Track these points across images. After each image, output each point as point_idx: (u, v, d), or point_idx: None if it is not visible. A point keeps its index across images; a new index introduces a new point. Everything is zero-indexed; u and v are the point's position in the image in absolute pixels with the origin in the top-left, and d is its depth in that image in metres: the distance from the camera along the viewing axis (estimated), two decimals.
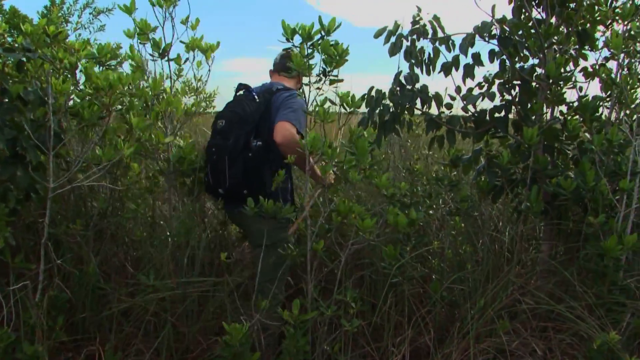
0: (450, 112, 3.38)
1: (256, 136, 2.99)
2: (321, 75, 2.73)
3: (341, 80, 2.76)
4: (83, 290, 2.98)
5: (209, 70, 3.60)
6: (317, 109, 2.69)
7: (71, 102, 3.17)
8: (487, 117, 3.32)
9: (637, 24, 2.94)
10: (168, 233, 3.31)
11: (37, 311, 2.62)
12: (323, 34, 2.63)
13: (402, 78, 3.30)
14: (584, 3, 3.32)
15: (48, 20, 3.23)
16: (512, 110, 3.32)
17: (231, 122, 3.05)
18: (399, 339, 2.84)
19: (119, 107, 3.32)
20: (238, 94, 3.26)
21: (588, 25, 3.38)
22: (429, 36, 3.29)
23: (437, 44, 3.27)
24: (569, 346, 2.82)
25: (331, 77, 2.74)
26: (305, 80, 2.78)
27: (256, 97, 3.08)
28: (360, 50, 2.64)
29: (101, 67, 3.42)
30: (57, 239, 3.02)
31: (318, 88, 2.74)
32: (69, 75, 3.30)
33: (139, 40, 3.30)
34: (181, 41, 3.46)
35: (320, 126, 2.78)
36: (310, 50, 2.64)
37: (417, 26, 3.31)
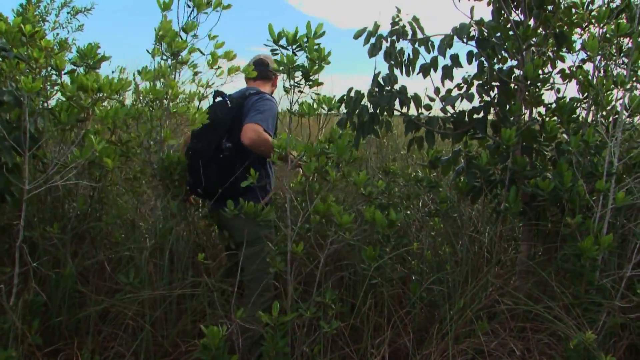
0: (429, 113, 3.39)
1: (229, 138, 3.18)
2: (302, 79, 2.76)
3: (321, 84, 2.82)
4: (60, 294, 2.94)
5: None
6: (298, 108, 2.78)
7: (53, 102, 3.14)
8: (466, 118, 3.33)
9: (612, 27, 2.97)
10: (146, 235, 3.28)
11: (12, 315, 2.58)
12: (309, 37, 2.66)
13: (380, 79, 3.31)
14: (562, 6, 3.35)
15: (24, 19, 3.18)
16: (491, 112, 3.34)
17: (204, 126, 3.20)
18: (378, 340, 2.85)
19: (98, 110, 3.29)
20: (216, 100, 3.42)
21: (565, 27, 3.41)
22: (409, 37, 3.29)
23: (416, 45, 3.28)
24: (547, 346, 2.84)
25: (310, 82, 2.78)
26: (287, 82, 2.81)
27: (229, 102, 3.29)
28: (341, 51, 2.68)
29: (84, 68, 3.38)
30: (33, 242, 2.98)
31: (300, 91, 2.78)
32: (52, 76, 3.27)
33: (158, 39, 3.21)
34: (200, 51, 3.44)
35: (300, 126, 2.82)
36: (296, 56, 2.67)
37: (397, 27, 3.31)
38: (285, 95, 2.82)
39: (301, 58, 2.71)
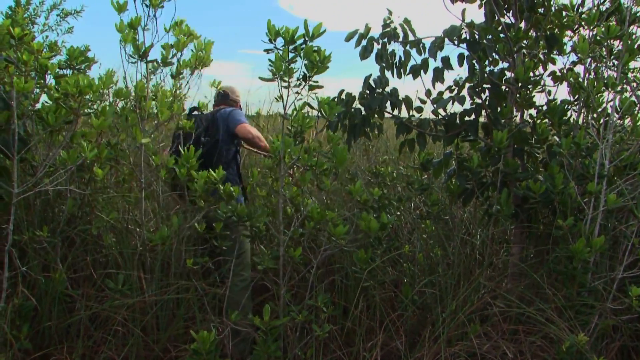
0: (421, 115, 3.39)
1: (206, 136, 3.82)
2: (301, 80, 2.73)
3: (321, 87, 2.80)
4: (49, 298, 2.91)
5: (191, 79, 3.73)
6: (295, 114, 2.76)
7: (39, 105, 3.10)
8: (457, 121, 3.33)
9: (602, 29, 2.98)
10: (138, 239, 3.26)
11: (0, 320, 2.55)
12: (306, 39, 2.62)
13: (371, 81, 3.30)
14: (552, 8, 3.36)
15: (13, 22, 3.15)
16: (482, 114, 3.34)
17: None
18: (371, 344, 2.84)
19: (88, 111, 3.26)
20: (193, 113, 4.02)
21: (556, 30, 3.42)
22: (400, 39, 3.29)
23: (407, 47, 3.28)
24: (539, 348, 2.84)
25: (311, 83, 2.75)
26: (284, 84, 2.79)
27: (203, 112, 4.04)
28: (333, 54, 2.67)
29: (71, 71, 3.35)
30: (22, 246, 2.95)
31: (297, 93, 2.76)
32: (37, 78, 3.23)
33: (121, 42, 3.21)
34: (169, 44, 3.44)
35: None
36: (292, 54, 2.64)
37: (388, 29, 3.31)
38: (278, 100, 2.80)
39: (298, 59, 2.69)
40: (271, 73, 2.65)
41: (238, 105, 4.23)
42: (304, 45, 2.62)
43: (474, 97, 3.30)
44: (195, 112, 4.05)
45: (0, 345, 2.56)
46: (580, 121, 3.38)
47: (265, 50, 2.67)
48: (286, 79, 2.68)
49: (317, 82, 2.76)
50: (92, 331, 2.95)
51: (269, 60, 2.63)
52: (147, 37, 3.26)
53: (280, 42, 2.62)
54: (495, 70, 3.33)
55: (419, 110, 3.38)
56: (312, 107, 2.85)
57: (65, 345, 2.84)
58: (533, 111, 3.39)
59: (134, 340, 2.81)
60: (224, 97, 4.20)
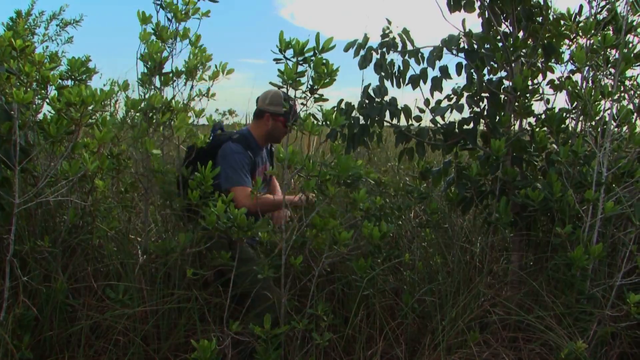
0: (420, 124, 3.41)
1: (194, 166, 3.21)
2: (307, 93, 2.75)
3: (326, 100, 2.81)
4: (50, 308, 2.92)
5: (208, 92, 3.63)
6: (302, 122, 2.79)
7: (41, 116, 3.12)
8: (456, 129, 3.35)
9: (599, 38, 3.00)
10: (139, 248, 3.28)
11: (2, 330, 2.56)
12: (316, 51, 2.65)
13: (370, 91, 3.33)
14: (550, 17, 3.38)
15: (15, 34, 3.18)
16: (481, 123, 3.36)
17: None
18: (371, 352, 2.84)
19: (90, 121, 3.28)
20: (216, 132, 3.51)
21: (554, 39, 3.44)
22: (399, 49, 3.32)
23: (406, 56, 3.31)
24: (539, 356, 2.85)
25: (316, 96, 2.77)
26: (292, 93, 2.80)
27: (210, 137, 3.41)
28: (333, 63, 2.69)
29: (72, 82, 3.38)
30: (23, 256, 2.96)
31: (303, 104, 2.78)
32: (39, 89, 3.26)
33: (143, 54, 3.21)
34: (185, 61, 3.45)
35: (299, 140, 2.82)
36: (302, 68, 2.66)
37: (387, 39, 3.34)
38: (286, 108, 2.81)
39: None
40: (282, 81, 2.66)
41: (266, 118, 3.46)
42: (313, 57, 2.65)
43: (473, 106, 3.31)
44: (219, 132, 3.53)
45: (1, 355, 2.56)
46: (578, 129, 3.40)
47: (274, 60, 2.69)
48: (294, 88, 2.70)
49: (321, 95, 2.78)
50: (93, 341, 2.95)
51: (279, 70, 2.65)
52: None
53: (290, 53, 2.65)
54: (494, 79, 3.35)
55: (418, 119, 3.40)
56: (316, 119, 2.86)
57: (66, 355, 2.85)
58: (531, 119, 3.41)
59: (134, 349, 2.82)
60: (256, 109, 3.53)
